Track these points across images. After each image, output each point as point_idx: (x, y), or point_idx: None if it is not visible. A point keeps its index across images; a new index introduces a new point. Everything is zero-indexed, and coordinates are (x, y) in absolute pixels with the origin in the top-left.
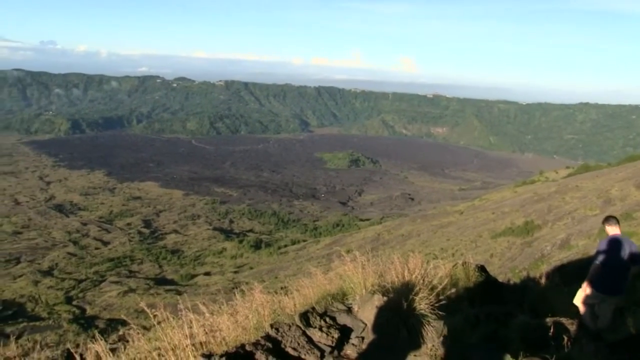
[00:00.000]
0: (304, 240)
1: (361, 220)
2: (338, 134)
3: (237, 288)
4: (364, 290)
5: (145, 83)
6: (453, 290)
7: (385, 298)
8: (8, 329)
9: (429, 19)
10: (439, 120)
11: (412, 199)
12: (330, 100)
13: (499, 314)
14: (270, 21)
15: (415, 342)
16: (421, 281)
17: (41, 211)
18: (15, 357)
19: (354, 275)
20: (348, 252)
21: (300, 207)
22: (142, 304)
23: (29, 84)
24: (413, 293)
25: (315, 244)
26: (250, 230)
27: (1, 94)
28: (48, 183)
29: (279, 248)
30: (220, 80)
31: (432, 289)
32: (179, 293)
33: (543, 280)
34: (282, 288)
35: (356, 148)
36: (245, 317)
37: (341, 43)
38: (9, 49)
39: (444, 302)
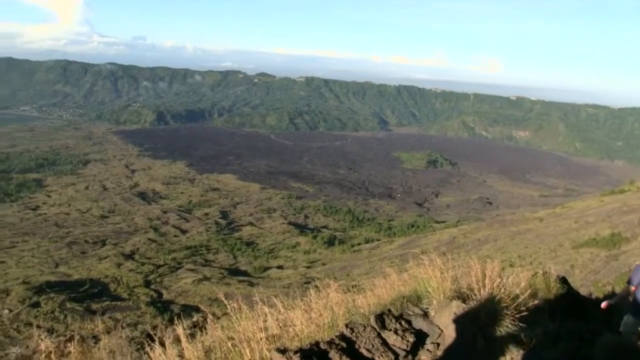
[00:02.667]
0: (378, 240)
1: (436, 222)
2: (417, 133)
3: (309, 283)
4: (441, 296)
5: (227, 78)
6: (532, 301)
7: (463, 305)
8: (94, 306)
9: (516, 19)
10: (522, 123)
11: (490, 203)
12: (410, 99)
13: (583, 330)
14: (351, 19)
15: (493, 353)
16: (500, 289)
17: (126, 198)
18: (100, 333)
19: (430, 279)
20: (422, 253)
21: (375, 205)
22: (220, 294)
23: (120, 76)
24: (492, 301)
25: (389, 244)
26: (325, 227)
27: (95, 86)
28: (133, 171)
29: (353, 246)
30: (301, 77)
31: (512, 298)
32: (252, 285)
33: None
34: (354, 286)
35: (434, 149)
36: (319, 314)
37: (423, 42)
38: (105, 44)
39: (524, 313)
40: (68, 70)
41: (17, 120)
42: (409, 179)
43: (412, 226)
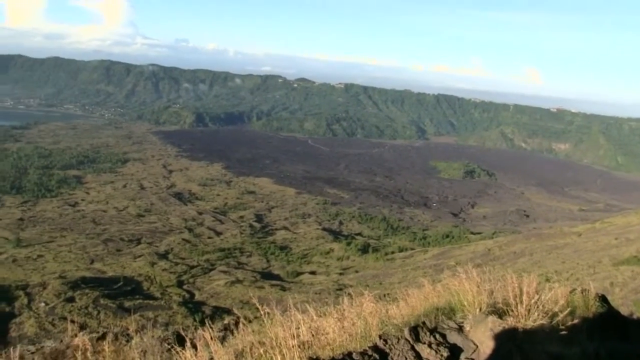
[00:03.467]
0: (412, 249)
1: (472, 233)
2: (454, 143)
3: (341, 290)
4: (477, 310)
5: (267, 82)
6: (571, 319)
7: (499, 320)
8: (127, 303)
9: (557, 29)
10: (562, 135)
11: (527, 216)
12: (449, 108)
13: (624, 351)
14: (392, 27)
15: None
16: (538, 306)
17: (162, 197)
18: (132, 331)
19: (466, 292)
20: (457, 264)
21: (410, 214)
22: (253, 298)
23: (161, 78)
24: (529, 318)
25: (423, 254)
26: (359, 234)
27: (137, 87)
28: (170, 171)
29: (386, 254)
30: (340, 83)
31: (550, 316)
32: (284, 289)
33: None
34: (386, 295)
35: (472, 159)
36: (352, 323)
37: (463, 51)
38: (148, 46)
39: (562, 332)
40: (111, 71)
41: (61, 118)
42: (445, 189)
43: (447, 236)
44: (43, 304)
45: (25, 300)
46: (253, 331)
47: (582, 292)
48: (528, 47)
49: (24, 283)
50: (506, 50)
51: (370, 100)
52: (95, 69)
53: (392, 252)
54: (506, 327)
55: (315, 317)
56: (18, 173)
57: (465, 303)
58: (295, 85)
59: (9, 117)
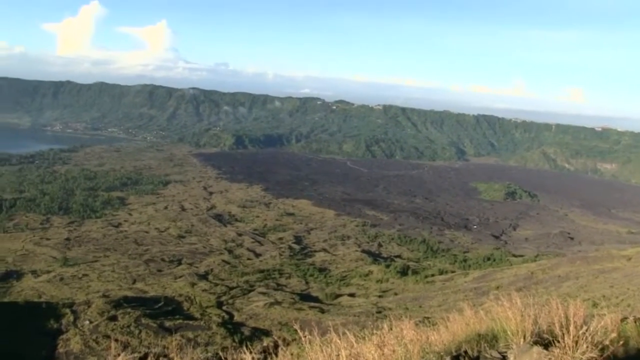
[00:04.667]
0: (452, 271)
1: (514, 256)
2: (495, 164)
3: (380, 313)
4: (521, 340)
5: (306, 104)
6: (623, 351)
7: (545, 352)
8: (167, 323)
9: (601, 47)
10: (608, 155)
11: (572, 239)
12: (489, 129)
13: None
14: (431, 48)
15: None
16: (585, 336)
17: (203, 219)
18: (172, 351)
19: (509, 319)
20: (498, 288)
21: (450, 236)
22: (295, 325)
23: (202, 101)
24: (576, 350)
25: (464, 276)
26: (398, 256)
27: (179, 110)
28: (210, 193)
29: (426, 277)
30: (379, 105)
31: (601, 348)
32: (323, 311)
33: None
34: (426, 318)
35: (513, 180)
36: (392, 350)
37: (503, 71)
38: (189, 70)
39: None
40: (154, 95)
41: (106, 141)
42: (486, 211)
43: (488, 259)
44: (87, 322)
45: (71, 318)
46: (292, 354)
47: (635, 321)
48: (571, 65)
49: (70, 301)
50: (548, 69)
51: (409, 122)
52: (138, 93)
53: (432, 275)
54: (552, 358)
55: (355, 344)
56: (65, 194)
57: (509, 331)
58: (334, 107)
59: (58, 141)
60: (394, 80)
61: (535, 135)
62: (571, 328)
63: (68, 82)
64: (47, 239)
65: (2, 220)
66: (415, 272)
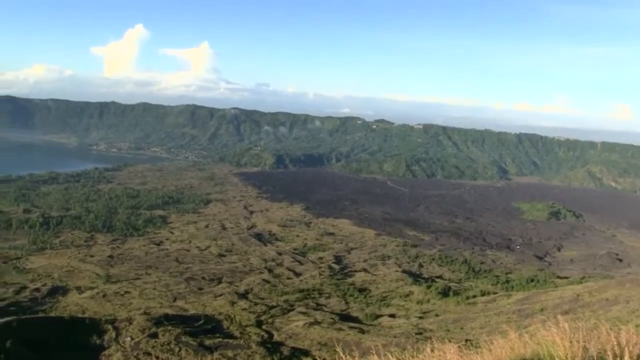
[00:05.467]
0: (495, 293)
1: (558, 277)
2: (538, 183)
3: (421, 334)
4: None
5: (346, 124)
6: None
7: None
8: (207, 342)
9: None
10: None
11: (620, 260)
12: (532, 147)
13: None
14: (471, 66)
15: None
16: None
17: (243, 238)
18: None
19: (557, 345)
20: (542, 310)
21: (493, 257)
22: (336, 345)
23: (243, 121)
24: None
25: (506, 298)
26: (439, 277)
27: (220, 130)
28: (251, 212)
29: (467, 298)
30: (419, 124)
31: None
32: (363, 332)
33: None
34: (468, 341)
35: (557, 199)
36: None
37: (546, 88)
38: (230, 90)
39: None
40: (196, 115)
41: (148, 161)
42: (529, 231)
43: (532, 280)
44: (129, 339)
45: (113, 334)
46: None
47: None
48: (618, 81)
49: (113, 317)
50: (593, 85)
51: (450, 141)
52: (180, 113)
53: (474, 296)
54: None
55: None
56: (109, 212)
57: (556, 356)
58: (374, 126)
59: (102, 160)
60: (435, 99)
61: (579, 153)
62: (626, 358)
63: (113, 102)
64: (91, 256)
65: (49, 237)
66: (456, 293)
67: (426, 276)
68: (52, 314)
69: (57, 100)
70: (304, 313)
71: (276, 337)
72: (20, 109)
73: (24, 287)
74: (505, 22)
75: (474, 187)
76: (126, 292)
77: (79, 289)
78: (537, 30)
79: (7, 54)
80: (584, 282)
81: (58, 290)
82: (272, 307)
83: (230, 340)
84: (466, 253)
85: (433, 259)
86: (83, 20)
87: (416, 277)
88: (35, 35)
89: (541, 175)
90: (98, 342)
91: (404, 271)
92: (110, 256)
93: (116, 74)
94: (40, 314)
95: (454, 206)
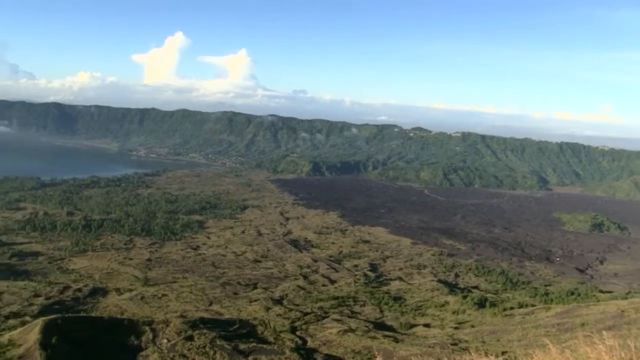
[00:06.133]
0: (533, 305)
1: (601, 291)
2: (580, 194)
3: (456, 345)
4: None
5: (383, 131)
6: None
7: None
8: (242, 346)
9: None
10: None
11: None
12: (573, 157)
13: None
14: (511, 74)
15: None
16: None
17: (279, 244)
18: None
19: None
20: (583, 325)
21: (531, 268)
22: (379, 357)
23: (280, 128)
24: None
25: (545, 311)
26: (476, 287)
27: (257, 136)
28: (287, 219)
29: (505, 309)
30: (457, 132)
31: None
32: (397, 341)
33: None
34: (504, 353)
35: (600, 211)
36: None
37: (589, 96)
38: (268, 97)
39: None
40: (233, 121)
41: (187, 166)
42: (569, 242)
43: (572, 294)
44: (165, 341)
45: (151, 336)
46: None
47: None
48: None
49: (150, 319)
50: (639, 93)
51: (489, 149)
52: (218, 119)
53: (511, 308)
54: None
55: None
56: (148, 217)
57: None
58: (412, 134)
59: (142, 165)
60: (473, 107)
61: (625, 163)
62: None
63: (153, 109)
64: (130, 259)
65: (90, 240)
66: (493, 305)
67: (462, 286)
68: (92, 314)
69: (100, 106)
70: (338, 320)
71: (310, 344)
72: (65, 115)
73: (68, 287)
74: (545, 29)
75: (513, 197)
76: (163, 295)
77: (118, 291)
78: (579, 37)
79: (55, 63)
80: (630, 297)
81: (98, 291)
82: (306, 314)
83: (265, 346)
84: (504, 264)
85: (469, 269)
86: (125, 28)
87: (452, 287)
88: (80, 44)
89: (583, 185)
90: (136, 342)
91: (439, 280)
92: (149, 259)
93: (156, 81)
94: (82, 314)
95: (492, 216)
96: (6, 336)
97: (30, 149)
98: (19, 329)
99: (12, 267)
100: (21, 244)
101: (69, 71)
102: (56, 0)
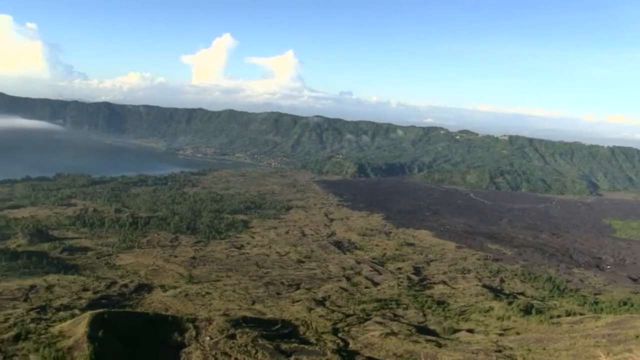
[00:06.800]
0: (581, 314)
1: None
2: (633, 200)
3: (500, 352)
4: None
5: (429, 134)
6: None
7: None
8: (283, 346)
9: None
10: None
11: None
12: (626, 162)
13: None
14: (562, 75)
15: None
16: None
17: (322, 245)
18: None
19: None
20: (637, 337)
21: (580, 276)
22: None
23: (325, 129)
24: None
25: (594, 320)
26: (521, 293)
27: (303, 137)
28: (331, 220)
29: (551, 317)
30: (504, 135)
31: None
32: (439, 345)
33: None
34: None
35: None
36: None
37: None
38: (314, 99)
39: None
40: (279, 122)
41: (232, 166)
42: (621, 250)
43: (625, 304)
44: (208, 338)
45: (194, 333)
46: None
47: None
48: None
49: (193, 317)
50: None
51: (537, 153)
52: (264, 120)
53: (559, 316)
54: None
55: None
56: (193, 215)
57: None
58: (458, 137)
59: (188, 164)
60: (521, 110)
61: None
62: None
63: (200, 109)
64: (175, 257)
65: (137, 237)
66: (539, 312)
67: (507, 292)
68: (138, 310)
69: (148, 106)
70: (380, 323)
71: (352, 346)
72: (115, 115)
73: (114, 282)
74: (596, 31)
75: (561, 202)
76: (207, 292)
77: (163, 288)
78: (631, 39)
79: (107, 64)
80: None
81: (144, 288)
82: (348, 316)
83: (306, 346)
84: (551, 270)
85: (515, 275)
86: (174, 30)
87: (497, 293)
88: (131, 45)
89: (637, 191)
90: (179, 339)
91: (484, 285)
92: (193, 257)
93: (204, 82)
94: (128, 309)
95: (539, 221)
96: (57, 327)
97: (81, 147)
98: (69, 321)
99: (63, 261)
100: (71, 239)
101: (119, 72)
102: (109, 3)
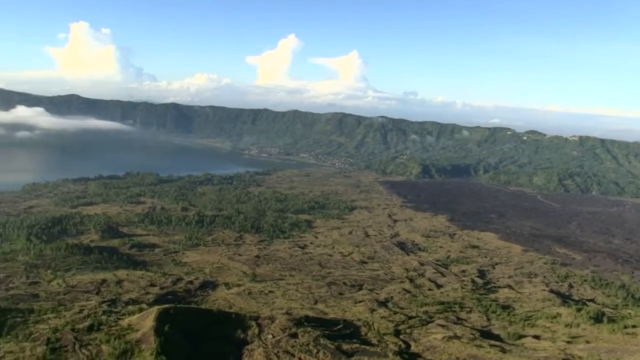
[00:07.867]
0: None
1: None
2: None
3: None
4: None
5: (495, 134)
6: None
7: None
8: (345, 346)
9: None
10: None
11: None
12: None
13: None
14: (632, 73)
15: None
16: None
17: (386, 246)
18: None
19: None
20: None
21: None
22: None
23: (389, 129)
24: None
25: None
26: (592, 300)
27: (367, 138)
28: (395, 221)
29: (625, 327)
30: (574, 136)
31: None
32: (504, 351)
33: None
34: None
35: None
36: None
37: None
38: (378, 99)
39: None
40: (343, 122)
41: (297, 166)
42: None
43: None
44: (270, 336)
45: (256, 331)
46: None
47: None
48: None
49: (256, 314)
50: None
51: (609, 154)
52: (328, 121)
53: (633, 326)
54: None
55: None
56: (258, 214)
57: None
58: (525, 137)
59: (253, 164)
60: (592, 110)
61: None
62: None
63: (265, 110)
64: (240, 255)
65: (202, 235)
66: (611, 320)
67: (576, 298)
68: (202, 306)
69: (215, 107)
70: (443, 326)
71: (413, 348)
72: (182, 115)
73: (180, 279)
74: None
75: (636, 205)
76: (270, 291)
77: (227, 285)
78: None
79: (175, 66)
80: None
81: (208, 285)
82: (411, 317)
83: (368, 347)
84: (624, 277)
85: (585, 280)
86: (240, 32)
87: (565, 299)
88: (198, 47)
89: None
90: (242, 336)
91: (551, 291)
92: (257, 256)
93: (269, 83)
94: (193, 305)
95: (611, 225)
96: (126, 321)
97: (150, 146)
98: (137, 315)
99: (131, 257)
100: (140, 235)
101: (187, 73)
102: (178, 7)
